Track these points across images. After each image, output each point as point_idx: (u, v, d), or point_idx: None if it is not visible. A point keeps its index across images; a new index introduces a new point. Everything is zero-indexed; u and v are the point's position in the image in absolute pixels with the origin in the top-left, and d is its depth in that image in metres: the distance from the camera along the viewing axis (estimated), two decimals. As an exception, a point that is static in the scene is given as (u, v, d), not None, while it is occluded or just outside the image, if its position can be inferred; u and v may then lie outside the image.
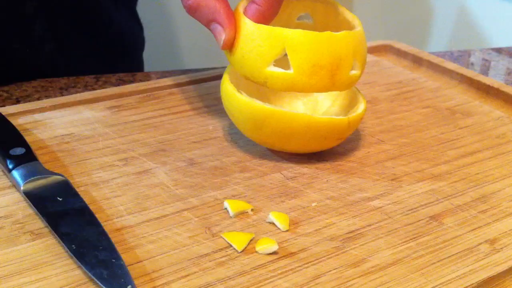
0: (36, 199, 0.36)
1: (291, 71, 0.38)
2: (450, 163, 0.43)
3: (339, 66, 0.38)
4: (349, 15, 0.43)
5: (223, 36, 0.39)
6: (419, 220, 0.36)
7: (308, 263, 0.32)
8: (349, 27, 0.42)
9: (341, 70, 0.38)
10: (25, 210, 0.36)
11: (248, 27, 0.39)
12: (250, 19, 0.39)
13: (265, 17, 0.39)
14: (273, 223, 0.35)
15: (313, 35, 0.38)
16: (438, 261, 0.33)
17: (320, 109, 0.46)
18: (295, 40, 0.38)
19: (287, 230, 0.35)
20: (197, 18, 0.41)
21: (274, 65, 0.38)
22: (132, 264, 0.32)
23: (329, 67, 0.38)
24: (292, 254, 0.33)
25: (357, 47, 0.39)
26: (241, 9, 0.40)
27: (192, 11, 0.40)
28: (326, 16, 0.45)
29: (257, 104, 0.39)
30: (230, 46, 0.40)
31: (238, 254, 0.33)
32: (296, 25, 0.46)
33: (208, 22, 0.40)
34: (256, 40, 0.38)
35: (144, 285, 0.30)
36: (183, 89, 0.53)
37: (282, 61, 0.39)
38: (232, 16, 0.39)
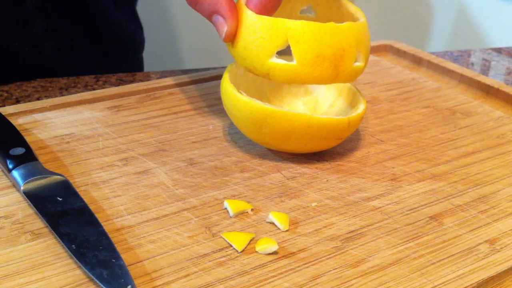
0: (36, 199, 0.36)
1: (294, 63, 0.38)
2: (450, 163, 0.43)
3: (343, 57, 0.38)
4: (352, 8, 0.43)
5: (225, 28, 0.39)
6: (419, 220, 0.36)
7: (308, 263, 0.32)
8: (352, 19, 0.42)
9: (344, 62, 0.38)
10: (25, 210, 0.36)
11: (250, 19, 0.39)
12: (252, 10, 0.39)
13: (267, 9, 0.39)
14: (273, 223, 0.35)
15: (316, 26, 0.37)
16: (438, 261, 0.33)
17: (320, 109, 0.46)
18: (298, 31, 0.37)
19: (287, 230, 0.35)
20: (198, 10, 0.40)
21: (277, 57, 0.38)
22: (132, 264, 0.32)
23: (333, 58, 0.38)
24: (292, 254, 0.33)
25: (360, 38, 0.39)
26: (243, 0, 0.40)
27: (193, 3, 0.40)
28: (329, 9, 0.45)
29: (257, 104, 0.39)
30: (232, 38, 0.39)
31: (238, 254, 0.33)
32: (298, 18, 0.46)
33: (209, 14, 0.40)
34: (258, 31, 0.38)
35: (144, 285, 0.30)
36: (183, 89, 0.53)
37: (283, 53, 0.38)
38: (234, 7, 0.39)
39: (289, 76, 0.38)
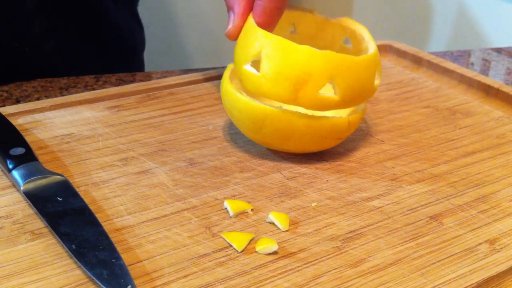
0: (36, 199, 0.36)
1: (258, 74, 0.38)
2: (450, 163, 0.43)
3: (307, 82, 0.37)
4: (371, 46, 0.42)
5: (230, 26, 0.41)
6: (419, 220, 0.36)
7: (308, 263, 0.32)
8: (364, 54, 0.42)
9: (308, 87, 0.37)
10: (25, 210, 0.36)
11: (247, 24, 0.41)
12: (253, 16, 0.40)
13: (267, 13, 0.40)
14: (273, 223, 0.35)
15: (287, 44, 0.38)
16: (438, 261, 0.33)
17: (320, 109, 0.46)
18: (271, 45, 0.38)
19: (287, 230, 0.35)
20: (225, 1, 0.43)
21: (250, 65, 0.39)
22: (132, 264, 0.32)
23: (294, 80, 0.37)
24: (292, 254, 0.33)
25: (341, 71, 0.38)
26: None
27: None
28: (358, 43, 0.45)
29: (257, 104, 0.39)
30: (232, 36, 0.42)
31: (238, 254, 0.33)
32: (339, 49, 0.46)
33: (228, 9, 0.43)
34: (245, 37, 0.40)
35: (144, 285, 0.30)
36: (183, 89, 0.53)
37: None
38: (248, 10, 0.41)
39: (255, 86, 0.39)
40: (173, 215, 0.36)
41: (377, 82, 0.41)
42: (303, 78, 0.37)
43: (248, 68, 0.39)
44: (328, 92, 0.39)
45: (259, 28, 0.39)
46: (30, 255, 0.32)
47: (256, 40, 0.39)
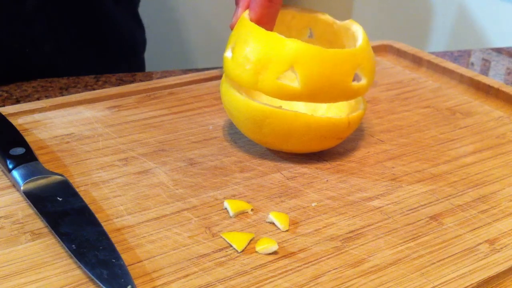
0: (36, 199, 0.36)
1: (230, 57, 0.40)
2: (450, 163, 0.43)
3: (266, 67, 0.38)
4: (359, 43, 0.41)
5: (233, 18, 0.44)
6: (419, 220, 0.36)
7: (308, 263, 0.32)
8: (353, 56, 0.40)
9: (267, 72, 0.38)
10: (25, 210, 0.36)
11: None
12: (249, 11, 0.42)
13: (258, 5, 0.41)
14: (273, 223, 0.35)
15: (256, 30, 0.39)
16: (438, 261, 0.33)
17: (320, 109, 0.46)
18: (242, 31, 0.40)
19: (287, 230, 0.35)
20: None
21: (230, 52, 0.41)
22: (132, 264, 0.32)
23: (256, 64, 0.38)
24: (292, 254, 0.33)
25: (302, 59, 0.37)
26: None
27: None
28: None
29: (257, 104, 0.39)
30: (232, 28, 0.44)
31: (238, 254, 0.33)
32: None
33: (236, 3, 0.45)
34: (235, 29, 0.42)
35: (144, 285, 0.30)
36: (183, 89, 0.53)
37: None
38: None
39: (227, 70, 0.41)
40: (173, 215, 0.36)
41: (363, 81, 0.40)
42: (263, 63, 0.38)
43: (226, 54, 0.41)
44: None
45: (244, 18, 0.41)
46: (30, 255, 0.32)
47: (236, 29, 0.41)
